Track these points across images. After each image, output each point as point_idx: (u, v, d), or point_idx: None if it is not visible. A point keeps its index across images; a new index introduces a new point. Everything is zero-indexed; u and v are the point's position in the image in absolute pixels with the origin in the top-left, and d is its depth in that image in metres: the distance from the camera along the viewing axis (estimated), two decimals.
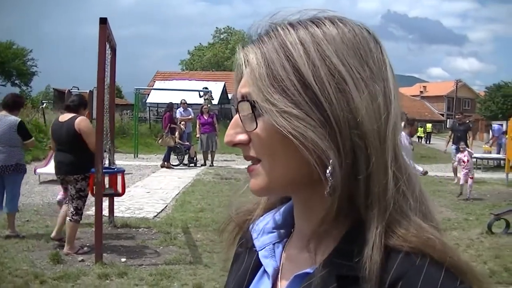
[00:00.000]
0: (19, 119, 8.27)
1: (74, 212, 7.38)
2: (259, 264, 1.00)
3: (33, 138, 8.39)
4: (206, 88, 23.28)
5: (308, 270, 0.88)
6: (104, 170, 8.35)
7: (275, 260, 0.98)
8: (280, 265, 0.98)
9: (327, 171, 0.81)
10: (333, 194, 0.82)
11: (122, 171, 8.72)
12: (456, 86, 76.87)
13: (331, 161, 0.81)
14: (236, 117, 0.91)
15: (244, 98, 0.88)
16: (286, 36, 0.86)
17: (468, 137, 16.55)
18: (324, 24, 0.87)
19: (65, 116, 7.61)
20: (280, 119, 0.82)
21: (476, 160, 21.30)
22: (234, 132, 0.91)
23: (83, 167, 7.45)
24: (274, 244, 1.01)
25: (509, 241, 8.82)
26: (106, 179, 8.28)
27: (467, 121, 20.22)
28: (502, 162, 20.35)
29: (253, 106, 0.86)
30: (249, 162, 0.92)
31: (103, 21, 6.96)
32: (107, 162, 8.59)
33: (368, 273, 0.79)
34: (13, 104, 8.30)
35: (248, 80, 0.87)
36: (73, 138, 7.43)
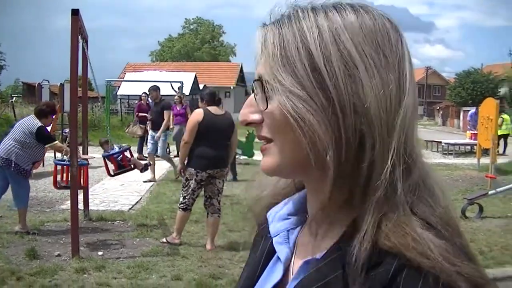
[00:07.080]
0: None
1: (219, 208, 7.59)
2: (273, 251, 1.00)
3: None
4: (179, 89, 23.16)
5: (316, 256, 0.88)
6: (63, 163, 8.31)
7: (289, 247, 0.98)
8: (293, 251, 0.98)
9: (326, 155, 0.82)
10: (328, 176, 0.82)
11: (85, 165, 8.64)
12: (426, 73, 77.42)
13: (327, 145, 0.81)
14: (251, 96, 0.93)
15: (258, 78, 0.89)
16: (304, 19, 0.86)
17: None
18: (345, 10, 0.86)
19: (216, 109, 7.48)
20: (284, 98, 0.84)
21: (448, 146, 21.61)
22: (248, 111, 0.92)
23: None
24: (288, 230, 1.00)
25: (482, 225, 9.01)
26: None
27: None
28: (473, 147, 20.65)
29: (264, 86, 0.87)
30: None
31: (75, 13, 6.87)
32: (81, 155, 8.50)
33: (354, 259, 0.79)
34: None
35: (263, 60, 0.88)
36: (231, 132, 7.53)
